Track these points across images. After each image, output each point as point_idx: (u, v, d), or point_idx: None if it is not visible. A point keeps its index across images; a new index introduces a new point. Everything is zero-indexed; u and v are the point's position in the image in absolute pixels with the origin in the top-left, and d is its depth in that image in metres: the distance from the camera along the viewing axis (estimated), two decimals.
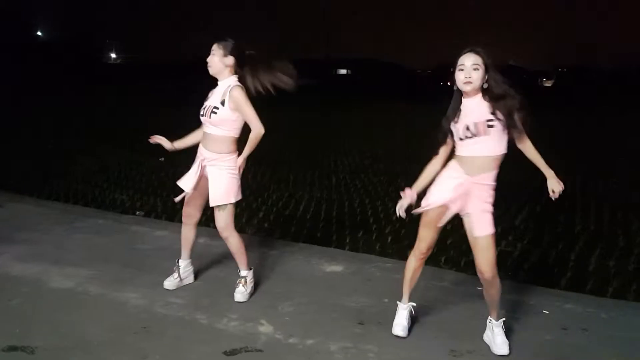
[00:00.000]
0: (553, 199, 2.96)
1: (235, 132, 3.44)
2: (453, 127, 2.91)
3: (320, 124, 17.32)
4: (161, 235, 4.87)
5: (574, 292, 3.93)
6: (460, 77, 2.83)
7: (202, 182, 3.50)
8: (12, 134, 11.67)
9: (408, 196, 3.02)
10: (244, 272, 3.61)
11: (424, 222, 3.02)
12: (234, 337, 3.07)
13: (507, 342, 2.97)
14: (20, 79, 30.68)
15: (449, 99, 3.01)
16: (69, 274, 3.88)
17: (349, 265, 4.27)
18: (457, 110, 2.90)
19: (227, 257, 4.06)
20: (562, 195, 2.98)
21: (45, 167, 8.29)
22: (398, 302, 3.18)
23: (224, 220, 3.49)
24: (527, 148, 2.95)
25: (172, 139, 3.63)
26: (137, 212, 5.92)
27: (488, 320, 3.05)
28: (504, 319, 3.05)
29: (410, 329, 3.15)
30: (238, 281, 3.59)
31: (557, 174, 2.98)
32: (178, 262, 3.74)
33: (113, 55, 78.57)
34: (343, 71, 73.99)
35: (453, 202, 2.89)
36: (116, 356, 2.85)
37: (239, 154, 3.47)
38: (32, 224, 5.08)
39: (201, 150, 3.51)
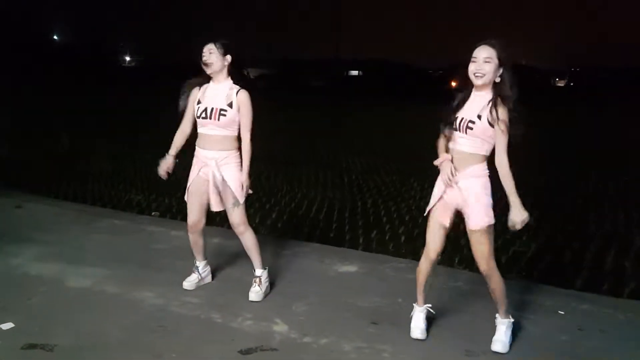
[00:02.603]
0: (511, 230, 2.80)
1: (237, 131, 3.47)
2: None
3: (331, 124, 17.34)
4: (176, 235, 4.91)
5: (590, 292, 3.90)
6: (471, 69, 2.78)
7: (205, 186, 3.48)
8: (29, 135, 11.83)
9: (445, 159, 2.87)
10: (259, 272, 3.63)
11: (429, 225, 3.01)
12: (249, 336, 3.10)
13: (506, 342, 2.96)
14: (36, 81, 31.08)
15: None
16: (86, 274, 3.93)
17: (362, 265, 4.28)
18: (464, 101, 2.86)
19: (241, 257, 4.09)
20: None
21: (62, 168, 8.40)
22: (414, 305, 3.17)
23: (239, 216, 3.51)
24: (500, 164, 2.75)
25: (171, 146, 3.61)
26: (153, 213, 5.99)
27: (495, 317, 3.05)
28: (511, 319, 3.03)
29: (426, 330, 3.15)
30: (253, 280, 3.62)
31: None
32: (196, 263, 3.78)
33: (127, 58, 79.27)
34: (354, 72, 73.90)
35: (448, 196, 2.88)
36: (132, 355, 2.89)
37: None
38: (50, 224, 5.15)
39: (204, 153, 3.47)
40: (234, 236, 3.66)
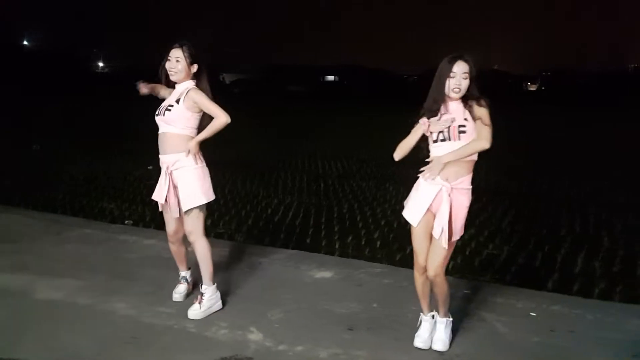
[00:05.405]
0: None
1: (189, 130, 3.32)
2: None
3: (308, 130, 17.35)
4: (149, 244, 4.85)
5: (561, 293, 3.98)
6: (450, 84, 2.84)
7: (173, 192, 3.37)
8: None
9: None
10: (203, 287, 3.44)
11: (414, 235, 3.00)
12: (224, 345, 3.07)
13: (446, 340, 3.03)
14: (6, 87, 30.35)
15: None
16: (56, 285, 3.84)
17: (338, 271, 4.28)
18: (437, 112, 2.92)
19: (215, 264, 4.05)
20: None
21: (31, 177, 8.21)
22: (421, 313, 3.15)
23: (191, 224, 3.39)
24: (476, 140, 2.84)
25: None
26: (126, 222, 5.89)
27: (431, 316, 3.11)
28: (450, 318, 3.10)
29: (402, 333, 3.16)
30: (195, 297, 3.45)
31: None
32: (182, 273, 3.69)
33: (100, 64, 78.12)
34: (330, 78, 74.27)
35: (435, 206, 2.91)
36: None
37: (202, 153, 3.38)
38: (18, 234, 5.02)
39: (161, 157, 3.39)
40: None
